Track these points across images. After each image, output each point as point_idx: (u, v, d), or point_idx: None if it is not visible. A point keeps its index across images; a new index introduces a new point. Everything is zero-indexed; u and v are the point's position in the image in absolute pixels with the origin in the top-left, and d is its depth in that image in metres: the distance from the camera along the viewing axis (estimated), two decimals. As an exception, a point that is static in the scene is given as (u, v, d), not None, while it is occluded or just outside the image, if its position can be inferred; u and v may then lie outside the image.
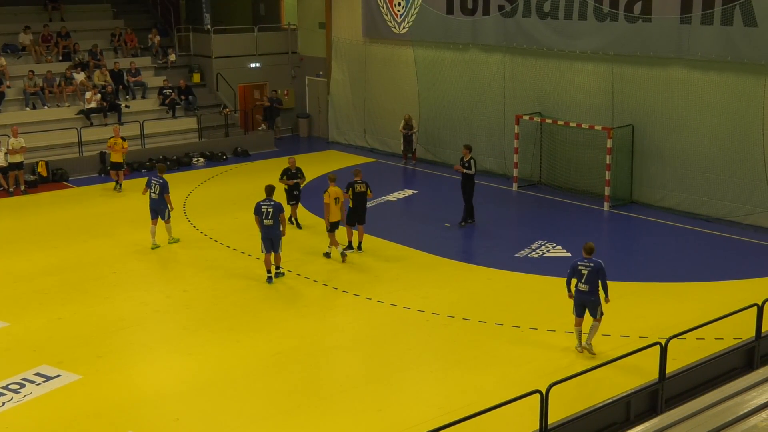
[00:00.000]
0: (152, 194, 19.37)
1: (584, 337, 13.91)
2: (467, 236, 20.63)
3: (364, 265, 18.35)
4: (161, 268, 18.30)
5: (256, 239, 17.63)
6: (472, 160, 21.30)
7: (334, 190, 18.46)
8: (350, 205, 18.84)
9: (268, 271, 17.26)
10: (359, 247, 19.02)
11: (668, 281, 17.40)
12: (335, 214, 18.44)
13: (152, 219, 19.44)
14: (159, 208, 19.42)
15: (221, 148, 29.37)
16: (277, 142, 31.44)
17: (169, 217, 19.64)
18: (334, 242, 18.65)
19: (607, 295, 13.69)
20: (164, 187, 19.31)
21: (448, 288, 17.10)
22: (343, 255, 18.53)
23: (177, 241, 19.95)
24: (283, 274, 17.55)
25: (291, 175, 20.79)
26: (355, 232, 19.23)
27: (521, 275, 17.75)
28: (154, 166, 27.56)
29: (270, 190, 17.22)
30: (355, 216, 18.94)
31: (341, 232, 19.07)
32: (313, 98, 33.45)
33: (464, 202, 21.28)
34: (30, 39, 29.93)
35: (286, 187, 20.86)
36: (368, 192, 18.99)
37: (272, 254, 17.15)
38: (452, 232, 20.87)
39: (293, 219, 20.94)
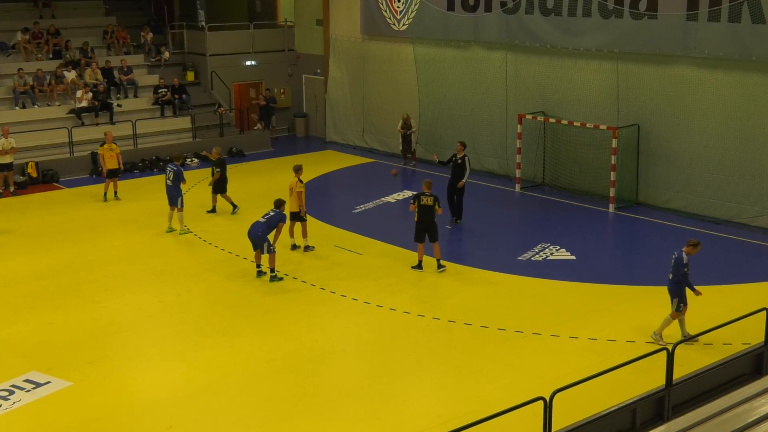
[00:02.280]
0: (167, 181, 20.53)
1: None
2: (468, 239, 20.61)
3: (362, 269, 18.33)
4: (154, 271, 18.28)
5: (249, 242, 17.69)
6: (466, 158, 21.40)
7: (291, 183, 19.12)
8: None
9: (257, 266, 17.74)
10: (438, 265, 17.92)
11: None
12: (290, 205, 18.91)
13: (170, 205, 20.59)
14: (173, 195, 20.48)
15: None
16: (273, 142, 31.41)
17: (182, 205, 20.55)
18: (289, 232, 19.21)
19: (692, 289, 14.08)
20: (178, 175, 20.39)
21: (449, 292, 17.08)
22: (293, 247, 19.10)
23: (187, 232, 20.49)
24: (281, 278, 17.54)
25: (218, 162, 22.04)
26: (423, 246, 18.17)
27: (524, 279, 17.73)
28: (147, 167, 27.62)
29: (278, 202, 17.81)
30: (423, 232, 18.03)
31: (339, 235, 19.07)
32: (311, 97, 33.43)
33: (455, 200, 21.32)
34: (21, 37, 29.92)
35: (216, 177, 21.97)
36: (437, 207, 17.89)
37: (260, 254, 17.60)
38: (453, 234, 20.84)
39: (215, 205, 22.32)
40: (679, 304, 14.17)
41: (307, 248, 19.22)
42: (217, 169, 22.20)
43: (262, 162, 28.96)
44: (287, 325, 15.43)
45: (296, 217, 19.16)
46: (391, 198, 24.18)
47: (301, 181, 19.07)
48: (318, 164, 27.90)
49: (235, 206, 22.35)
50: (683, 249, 14.27)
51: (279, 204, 17.75)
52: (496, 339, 14.79)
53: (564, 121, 23.78)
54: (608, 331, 14.88)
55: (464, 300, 16.66)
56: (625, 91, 22.94)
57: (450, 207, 21.46)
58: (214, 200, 22.56)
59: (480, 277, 17.94)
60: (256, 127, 32.05)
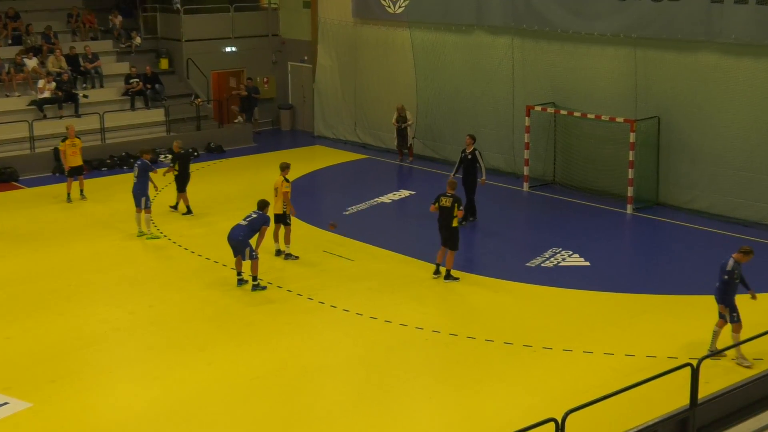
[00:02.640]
0: (134, 178, 20.54)
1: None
2: (472, 243, 20.59)
3: (355, 277, 18.29)
4: (124, 280, 18.23)
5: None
6: (476, 152, 21.50)
7: (275, 182, 19.12)
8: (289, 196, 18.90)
9: (238, 273, 17.73)
10: (447, 275, 17.84)
11: (700, 294, 17.32)
12: (275, 207, 18.96)
13: (136, 206, 20.57)
14: (137, 194, 20.49)
15: (192, 144, 29.27)
16: (255, 137, 31.38)
17: (147, 206, 20.45)
18: (275, 238, 19.23)
19: (750, 291, 14.33)
20: (143, 169, 20.41)
21: (451, 302, 17.05)
22: (287, 256, 19.09)
23: (154, 237, 20.46)
24: (264, 287, 17.50)
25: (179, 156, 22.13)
26: (444, 251, 18.05)
27: (533, 287, 17.72)
28: (115, 164, 27.57)
29: (262, 204, 17.78)
30: (441, 235, 18.00)
31: (339, 242, 19.05)
32: (297, 87, 33.40)
33: (465, 199, 21.33)
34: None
35: (176, 172, 22.18)
36: (456, 209, 17.63)
37: (242, 260, 17.61)
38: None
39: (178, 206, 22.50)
40: (732, 314, 14.17)
41: (288, 256, 19.19)
42: (173, 164, 22.26)
43: (243, 159, 28.91)
44: (272, 339, 15.38)
45: (281, 219, 19.13)
46: (386, 198, 24.17)
47: (287, 181, 19.05)
48: (305, 161, 27.86)
49: (189, 211, 22.34)
50: (733, 255, 14.31)
51: (262, 205, 17.70)
52: (503, 354, 14.75)
53: (576, 114, 23.78)
54: (626, 345, 14.86)
55: (467, 311, 16.62)
56: (643, 81, 22.95)
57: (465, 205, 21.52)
58: (179, 199, 22.54)
59: (485, 285, 17.90)
60: (236, 120, 32.00)
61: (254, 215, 17.57)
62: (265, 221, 17.55)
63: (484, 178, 21.64)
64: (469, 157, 21.60)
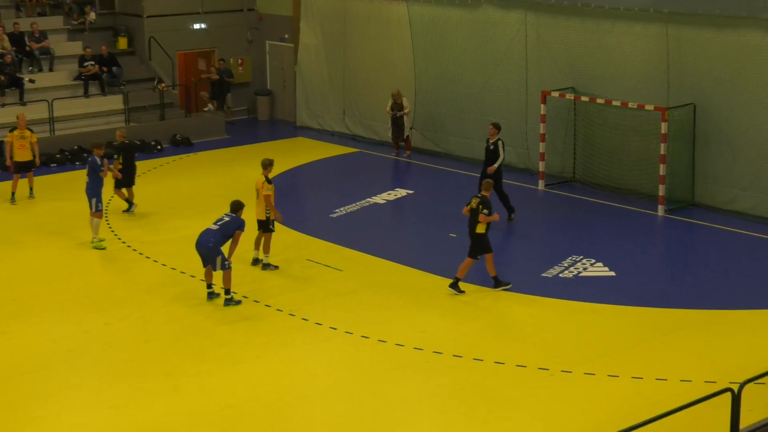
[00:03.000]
0: (86, 176, 20.62)
1: None
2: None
3: (344, 290, 18.25)
4: (76, 293, 18.17)
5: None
6: (499, 142, 21.77)
7: (257, 182, 19.13)
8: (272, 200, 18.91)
9: (208, 286, 17.71)
10: (452, 284, 17.86)
11: (741, 308, 17.38)
12: (255, 208, 18.99)
13: (90, 209, 20.61)
14: (88, 195, 20.52)
15: (155, 136, 29.23)
16: (228, 128, 31.32)
17: (97, 208, 20.40)
18: (255, 243, 19.23)
19: None
20: (93, 168, 20.45)
21: (454, 318, 17.02)
22: (266, 266, 19.11)
23: (101, 247, 20.32)
24: (239, 302, 17.45)
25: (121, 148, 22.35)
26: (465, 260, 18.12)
27: (550, 301, 17.69)
28: (67, 159, 27.50)
29: (235, 206, 17.73)
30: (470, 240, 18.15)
31: (317, 246, 19.01)
32: (276, 70, 33.35)
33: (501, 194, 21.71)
34: None
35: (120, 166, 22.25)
36: (480, 211, 17.72)
37: (212, 270, 17.59)
38: (459, 244, 20.79)
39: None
40: None
41: (266, 266, 19.14)
42: (116, 157, 22.31)
43: (214, 153, 28.84)
44: (247, 363, 15.32)
45: (263, 226, 19.06)
46: (380, 198, 24.14)
47: (269, 181, 18.96)
48: (286, 155, 27.82)
49: (131, 204, 22.45)
50: None
51: (236, 207, 17.65)
52: (515, 378, 14.72)
53: (600, 100, 23.77)
54: (657, 368, 14.84)
55: (473, 329, 16.58)
56: (677, 62, 22.94)
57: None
58: (122, 195, 22.55)
59: (494, 299, 17.87)
60: (206, 108, 31.94)
61: (227, 218, 17.52)
62: (240, 225, 17.49)
63: (495, 166, 21.64)
64: (491, 147, 21.67)
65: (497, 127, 22.21)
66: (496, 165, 21.78)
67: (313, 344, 16.05)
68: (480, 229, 17.84)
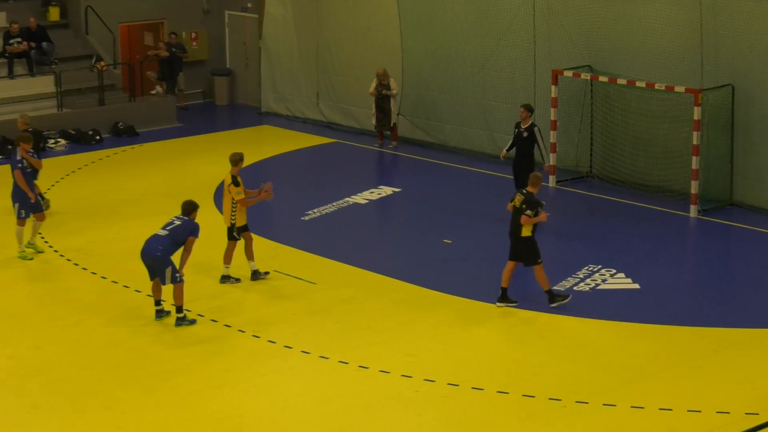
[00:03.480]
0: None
1: None
2: (480, 258, 20.65)
3: (318, 307, 18.32)
4: (0, 313, 18.24)
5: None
6: (534, 128, 22.19)
7: (225, 178, 19.20)
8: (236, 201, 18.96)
9: (157, 303, 17.76)
10: (550, 298, 18.14)
11: (789, 327, 17.56)
12: (224, 214, 19.11)
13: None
14: (12, 198, 20.49)
15: (93, 124, 29.24)
16: (180, 114, 31.36)
17: (18, 216, 20.31)
18: (226, 257, 19.29)
19: None
20: (13, 166, 20.34)
21: (448, 340, 17.08)
22: (225, 278, 19.17)
23: (28, 257, 20.28)
24: (193, 321, 17.49)
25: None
26: (513, 267, 18.35)
27: (563, 318, 17.78)
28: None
29: (188, 207, 17.72)
30: (510, 244, 18.41)
31: (260, 247, 19.03)
32: (237, 45, 33.37)
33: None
34: None
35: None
36: (523, 211, 17.94)
37: (161, 284, 17.61)
38: (454, 251, 20.89)
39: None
40: None
41: (225, 279, 19.25)
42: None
43: (163, 144, 28.88)
44: (203, 394, 15.32)
45: (228, 232, 19.12)
46: (361, 197, 24.20)
47: (236, 183, 18.92)
48: (249, 146, 27.79)
49: (42, 198, 22.29)
50: None
51: (189, 209, 17.67)
52: (521, 410, 14.76)
53: (621, 81, 23.88)
54: (689, 398, 14.92)
55: (472, 352, 16.65)
56: (712, 36, 23.05)
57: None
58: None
59: (496, 316, 17.96)
60: (154, 91, 31.94)
61: (177, 222, 17.51)
62: (193, 231, 17.47)
63: (547, 163, 22.26)
64: (525, 134, 21.82)
65: (529, 109, 22.37)
66: (547, 161, 22.47)
67: (282, 372, 16.09)
68: (525, 232, 18.01)
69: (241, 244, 19.16)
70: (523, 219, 17.86)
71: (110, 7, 31.67)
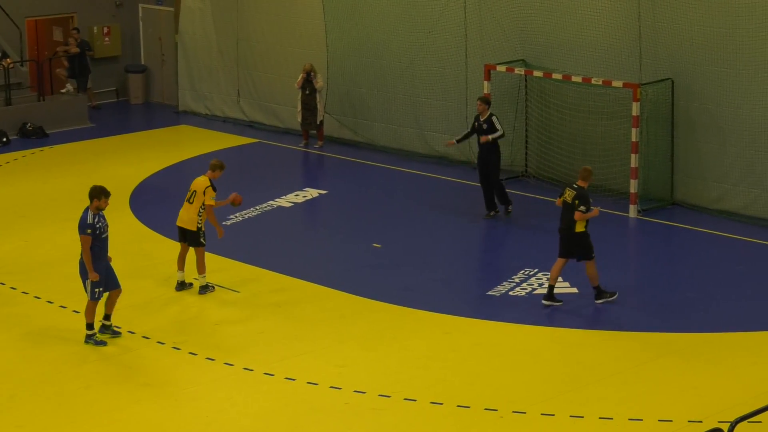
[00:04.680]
0: None
1: None
2: (412, 264, 20.69)
3: (242, 316, 18.29)
4: None
5: (62, 276, 17.42)
6: (493, 118, 22.27)
7: (195, 179, 19.04)
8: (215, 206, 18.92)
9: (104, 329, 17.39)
10: (597, 294, 18.53)
11: (732, 330, 17.67)
12: (181, 214, 18.98)
13: None
14: None
15: (-1, 125, 29.03)
16: (92, 114, 31.12)
17: None
18: (178, 261, 19.11)
19: None
20: None
21: (380, 350, 17.10)
22: (184, 285, 19.10)
23: None
24: (117, 333, 17.38)
25: None
26: (562, 264, 18.56)
27: (498, 325, 17.84)
28: None
29: (97, 192, 16.97)
30: (560, 241, 18.72)
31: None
32: (152, 40, 33.16)
33: (489, 186, 22.30)
34: None
35: None
36: (576, 207, 18.17)
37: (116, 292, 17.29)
38: (386, 257, 20.90)
39: None
40: None
41: (204, 289, 19.08)
42: None
43: (74, 146, 28.65)
44: (121, 410, 15.19)
45: (194, 239, 18.94)
46: (285, 200, 24.15)
47: (214, 188, 18.90)
48: (166, 147, 27.77)
49: None
50: None
51: (91, 195, 17.02)
52: (456, 422, 14.79)
53: (556, 75, 24.00)
54: (631, 406, 15.05)
55: (404, 361, 16.66)
56: (650, 27, 23.22)
57: (486, 196, 22.43)
58: None
59: (428, 323, 17.99)
60: (64, 90, 31.67)
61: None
62: (80, 227, 16.81)
63: (490, 137, 22.16)
64: (485, 126, 21.92)
65: (487, 101, 22.45)
66: (491, 137, 22.25)
67: (204, 384, 16.01)
68: (579, 227, 18.22)
69: (176, 251, 19.05)
70: (578, 215, 18.14)
71: (16, 1, 31.36)
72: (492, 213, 22.73)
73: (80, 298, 17.28)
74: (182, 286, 19.19)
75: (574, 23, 24.23)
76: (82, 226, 16.79)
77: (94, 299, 17.03)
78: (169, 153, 27.23)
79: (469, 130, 23.08)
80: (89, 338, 17.19)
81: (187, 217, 18.92)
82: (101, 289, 16.98)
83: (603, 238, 21.74)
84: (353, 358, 16.79)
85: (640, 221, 22.76)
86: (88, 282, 16.89)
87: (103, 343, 17.19)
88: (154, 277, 19.47)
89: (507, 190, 23.04)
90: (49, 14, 32.45)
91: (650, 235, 22.27)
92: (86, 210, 16.86)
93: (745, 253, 20.99)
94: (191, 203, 18.91)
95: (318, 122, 28.07)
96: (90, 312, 17.15)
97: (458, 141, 23.34)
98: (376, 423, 14.85)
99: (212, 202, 18.85)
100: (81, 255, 16.91)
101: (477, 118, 22.65)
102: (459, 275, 20.09)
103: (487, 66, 24.91)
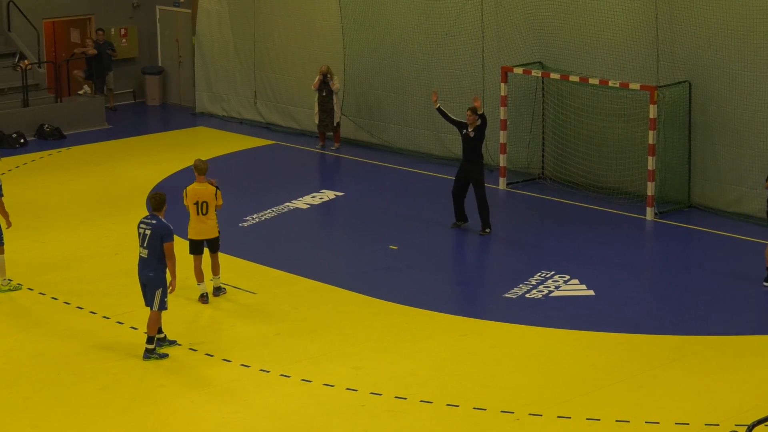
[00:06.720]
0: None
1: None
2: (428, 267, 20.69)
3: (258, 318, 18.31)
4: None
5: (78, 278, 17.42)
6: (483, 119, 21.81)
7: (194, 190, 18.65)
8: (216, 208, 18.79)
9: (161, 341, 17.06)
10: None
11: (750, 333, 17.66)
12: (196, 228, 18.62)
13: None
14: None
15: (17, 126, 29.00)
16: (110, 115, 31.16)
17: None
18: (197, 274, 18.78)
19: None
20: None
21: (396, 352, 17.09)
22: (220, 290, 18.99)
23: (14, 287, 19.48)
24: (173, 342, 17.13)
25: None
26: None
27: (514, 328, 17.82)
28: None
29: (156, 201, 16.76)
30: None
31: (224, 262, 18.98)
32: (170, 42, 33.20)
33: (461, 198, 22.02)
34: None
35: None
36: None
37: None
38: (401, 258, 20.90)
39: None
40: None
41: (219, 290, 19.07)
42: None
43: (91, 147, 28.70)
44: (135, 411, 15.21)
45: (214, 245, 18.82)
46: (302, 202, 24.16)
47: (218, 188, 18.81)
48: (183, 149, 27.77)
49: None
50: None
51: (158, 203, 16.72)
52: (472, 424, 14.79)
53: (573, 78, 23.98)
54: (647, 409, 15.02)
55: (420, 363, 16.66)
56: (668, 30, 23.18)
57: (457, 207, 22.11)
58: None
59: (444, 326, 17.98)
60: (81, 92, 31.72)
61: (148, 231, 16.51)
62: (164, 236, 16.49)
63: (470, 130, 21.87)
64: (472, 134, 21.76)
65: (476, 113, 21.85)
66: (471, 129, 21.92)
67: (220, 386, 16.03)
68: None
69: (189, 258, 18.96)
70: None
71: (34, 3, 31.41)
72: (461, 223, 22.30)
73: (94, 299, 17.31)
74: (218, 291, 19.03)
75: (591, 25, 24.17)
76: (169, 233, 16.49)
77: (164, 309, 16.75)
78: (186, 155, 27.20)
79: (454, 120, 22.38)
80: (150, 353, 16.76)
81: (205, 227, 18.67)
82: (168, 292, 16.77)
83: (620, 241, 21.83)
84: (369, 359, 16.79)
85: (657, 224, 22.72)
86: (161, 291, 16.61)
87: (165, 356, 16.90)
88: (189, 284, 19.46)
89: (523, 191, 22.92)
90: (67, 16, 32.49)
91: (667, 237, 22.22)
92: (156, 217, 16.52)
93: (762, 256, 20.91)
94: (205, 214, 18.61)
95: (334, 124, 28.08)
96: (155, 324, 16.77)
97: (446, 115, 22.52)
98: (393, 425, 14.84)
99: (221, 201, 18.82)
100: (151, 263, 16.52)
101: (466, 128, 22.00)
102: (475, 277, 20.07)
103: (504, 68, 24.90)
